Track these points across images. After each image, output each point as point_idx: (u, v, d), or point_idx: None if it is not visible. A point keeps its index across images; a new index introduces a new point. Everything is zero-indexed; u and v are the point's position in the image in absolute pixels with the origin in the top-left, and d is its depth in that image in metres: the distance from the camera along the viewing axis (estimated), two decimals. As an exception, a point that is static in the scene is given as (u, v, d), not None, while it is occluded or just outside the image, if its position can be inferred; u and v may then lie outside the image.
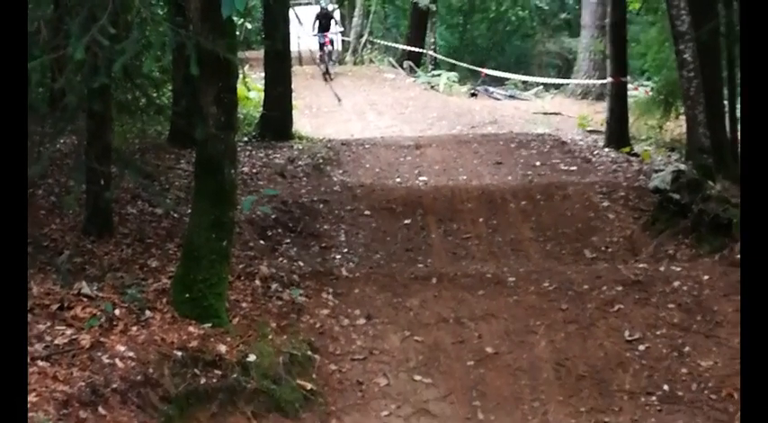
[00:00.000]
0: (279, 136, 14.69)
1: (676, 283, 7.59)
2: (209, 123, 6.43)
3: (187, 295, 6.62)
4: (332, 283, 7.84)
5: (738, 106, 13.70)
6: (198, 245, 6.63)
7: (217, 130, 6.44)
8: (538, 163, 13.81)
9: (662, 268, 8.00)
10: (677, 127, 16.51)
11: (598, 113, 19.01)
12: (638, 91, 19.28)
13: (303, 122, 17.50)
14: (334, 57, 26.19)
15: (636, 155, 14.85)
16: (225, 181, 6.59)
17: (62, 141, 9.27)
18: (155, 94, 9.07)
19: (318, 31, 25.06)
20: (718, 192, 9.74)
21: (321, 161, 13.61)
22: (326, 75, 24.71)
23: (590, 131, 17.50)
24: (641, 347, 6.89)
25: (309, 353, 6.79)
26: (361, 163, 14.09)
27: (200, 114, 6.51)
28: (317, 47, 25.43)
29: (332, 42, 25.58)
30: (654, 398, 6.44)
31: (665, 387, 6.52)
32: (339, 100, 21.12)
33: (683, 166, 10.13)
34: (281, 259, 9.09)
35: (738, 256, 8.42)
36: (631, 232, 10.07)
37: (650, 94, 17.86)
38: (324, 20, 25.27)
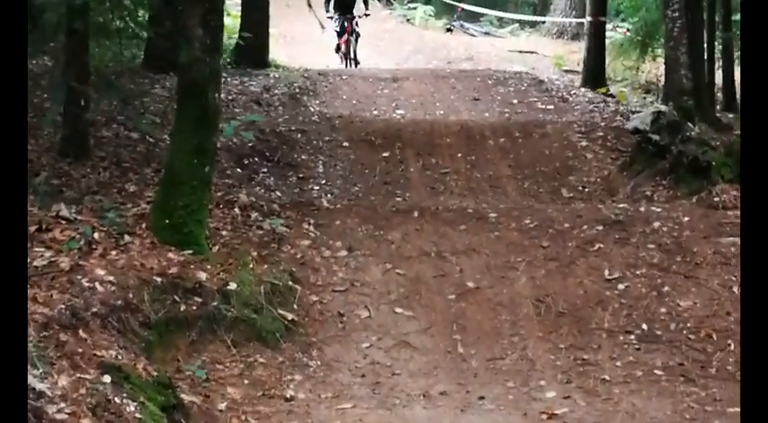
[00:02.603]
0: (255, 64, 14.47)
1: (656, 224, 7.61)
2: (194, 46, 6.29)
3: (167, 221, 6.54)
4: (313, 214, 7.78)
5: (718, 48, 13.74)
6: (179, 170, 6.53)
7: (202, 53, 6.30)
8: (515, 101, 13.73)
9: (642, 209, 8.03)
10: (653, 69, 16.52)
11: (573, 53, 18.92)
12: (615, 31, 19.17)
13: (278, 52, 17.22)
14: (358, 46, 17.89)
15: (612, 95, 14.82)
16: (208, 106, 6.48)
17: (34, 62, 9.06)
18: (130, 17, 8.86)
19: (337, 12, 17.27)
20: (698, 134, 9.75)
21: (297, 90, 13.46)
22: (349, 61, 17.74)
23: (566, 71, 17.44)
24: (621, 286, 6.93)
25: (290, 283, 6.75)
26: (338, 94, 13.94)
27: (184, 37, 6.37)
28: (337, 32, 17.51)
29: (355, 27, 17.63)
30: (632, 336, 6.50)
31: (644, 326, 6.57)
32: (323, 28, 20.59)
33: (663, 108, 10.09)
34: (257, 188, 9.01)
35: (716, 198, 8.48)
36: (609, 172, 10.07)
37: (628, 34, 17.78)
38: None
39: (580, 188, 9.87)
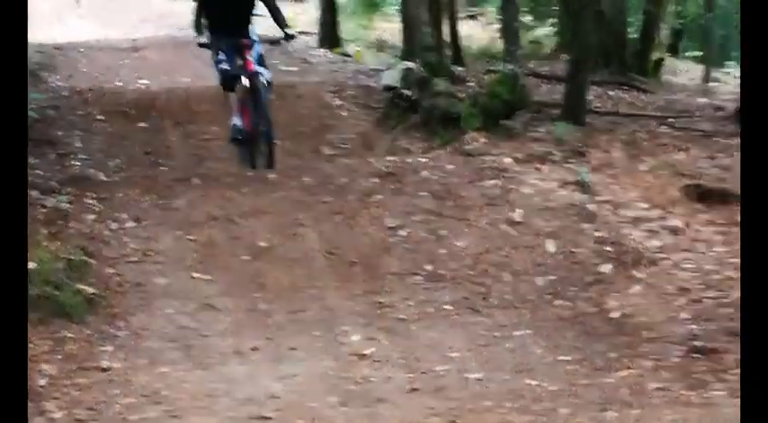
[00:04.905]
0: (-16, 40, 13.80)
1: (425, 173, 8.19)
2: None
3: (-48, 205, 6.33)
4: (92, 188, 7.78)
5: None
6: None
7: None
8: (259, 64, 13.93)
9: (410, 160, 8.58)
10: (385, 28, 17.27)
11: (299, 15, 19.35)
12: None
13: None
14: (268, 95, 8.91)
15: (348, 55, 15.38)
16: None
17: None
18: None
19: (216, 33, 8.62)
20: (445, 88, 10.43)
21: (36, 66, 13.02)
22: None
23: (300, 32, 17.80)
24: (402, 233, 7.43)
25: (85, 258, 6.74)
26: (78, 67, 13.65)
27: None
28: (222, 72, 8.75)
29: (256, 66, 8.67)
30: (420, 277, 7.00)
31: (429, 267, 7.09)
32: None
33: (411, 64, 10.70)
34: (18, 168, 8.77)
35: (468, 146, 9.17)
36: (365, 129, 10.56)
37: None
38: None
39: (340, 145, 10.30)
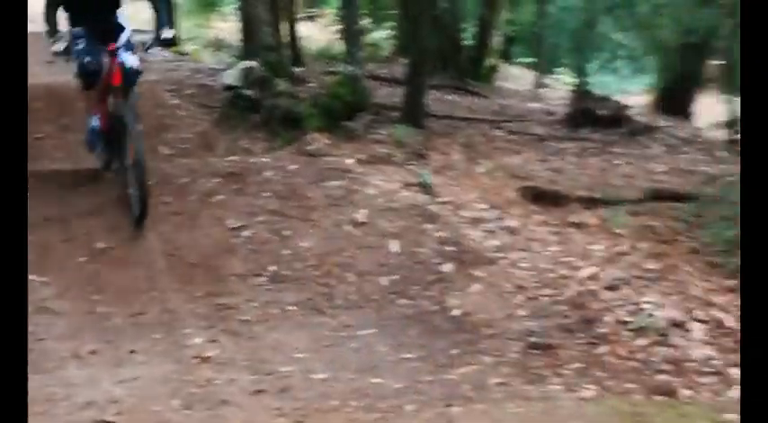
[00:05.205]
0: None
1: (267, 174, 8.14)
2: None
3: None
4: None
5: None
6: None
7: None
8: (90, 61, 13.54)
9: (252, 160, 8.51)
10: (223, 27, 17.11)
11: (134, 13, 18.95)
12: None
13: None
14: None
15: (185, 54, 15.15)
16: None
17: None
18: None
19: (78, 20, 7.56)
20: (286, 88, 10.38)
21: None
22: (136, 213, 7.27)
23: (134, 31, 17.41)
24: (245, 233, 7.36)
25: None
26: None
27: None
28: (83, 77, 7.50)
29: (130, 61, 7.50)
30: (263, 278, 6.95)
31: (273, 268, 7.05)
32: None
33: (252, 64, 10.58)
34: None
35: (310, 146, 9.17)
36: (204, 129, 10.40)
37: (192, -5, 18.24)
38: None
39: (178, 146, 10.09)
